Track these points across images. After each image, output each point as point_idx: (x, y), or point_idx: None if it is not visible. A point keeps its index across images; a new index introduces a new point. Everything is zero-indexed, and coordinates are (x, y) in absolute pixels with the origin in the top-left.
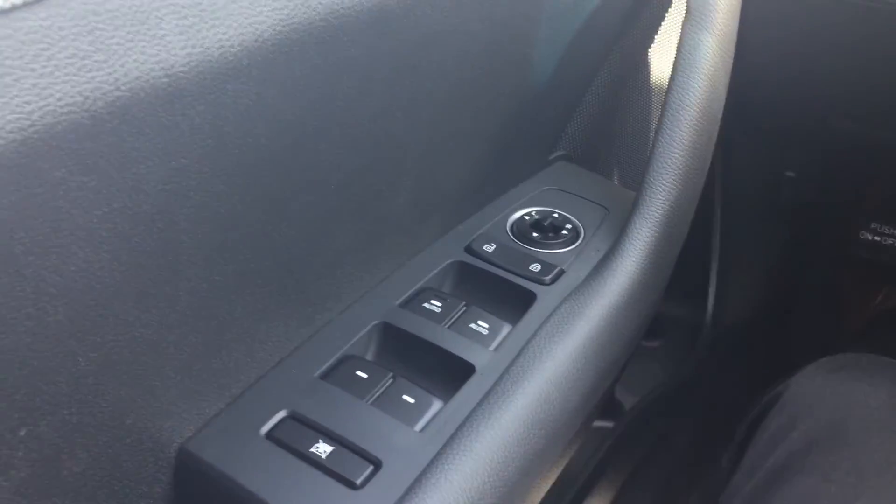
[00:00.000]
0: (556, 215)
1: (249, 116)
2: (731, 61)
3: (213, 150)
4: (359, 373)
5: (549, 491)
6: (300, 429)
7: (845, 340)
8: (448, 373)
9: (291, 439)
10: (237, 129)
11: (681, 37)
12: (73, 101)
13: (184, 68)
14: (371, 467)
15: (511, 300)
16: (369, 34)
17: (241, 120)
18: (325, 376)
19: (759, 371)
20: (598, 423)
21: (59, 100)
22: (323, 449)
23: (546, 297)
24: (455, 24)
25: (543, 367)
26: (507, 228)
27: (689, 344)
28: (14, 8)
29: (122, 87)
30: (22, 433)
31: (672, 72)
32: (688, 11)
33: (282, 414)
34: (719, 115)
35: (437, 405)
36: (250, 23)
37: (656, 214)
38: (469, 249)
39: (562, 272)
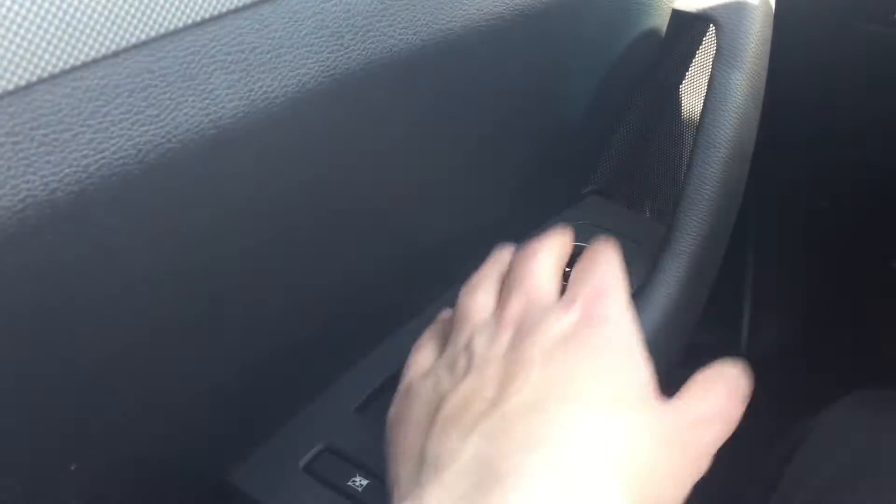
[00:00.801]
0: None
1: (291, 163)
2: (761, 97)
3: (256, 197)
4: None
5: None
6: (337, 462)
7: (878, 373)
8: None
9: (328, 472)
10: (279, 176)
11: (711, 75)
12: (127, 154)
13: (231, 120)
14: None
15: None
16: (406, 80)
17: (283, 166)
18: (361, 410)
19: (790, 401)
20: None
21: (114, 153)
22: (359, 482)
23: None
24: (488, 67)
25: None
26: None
27: None
28: (74, 68)
29: (173, 140)
30: (72, 468)
31: (703, 110)
32: (718, 49)
33: (319, 447)
34: (750, 151)
35: None
36: (294, 74)
37: (687, 250)
38: None
39: None
